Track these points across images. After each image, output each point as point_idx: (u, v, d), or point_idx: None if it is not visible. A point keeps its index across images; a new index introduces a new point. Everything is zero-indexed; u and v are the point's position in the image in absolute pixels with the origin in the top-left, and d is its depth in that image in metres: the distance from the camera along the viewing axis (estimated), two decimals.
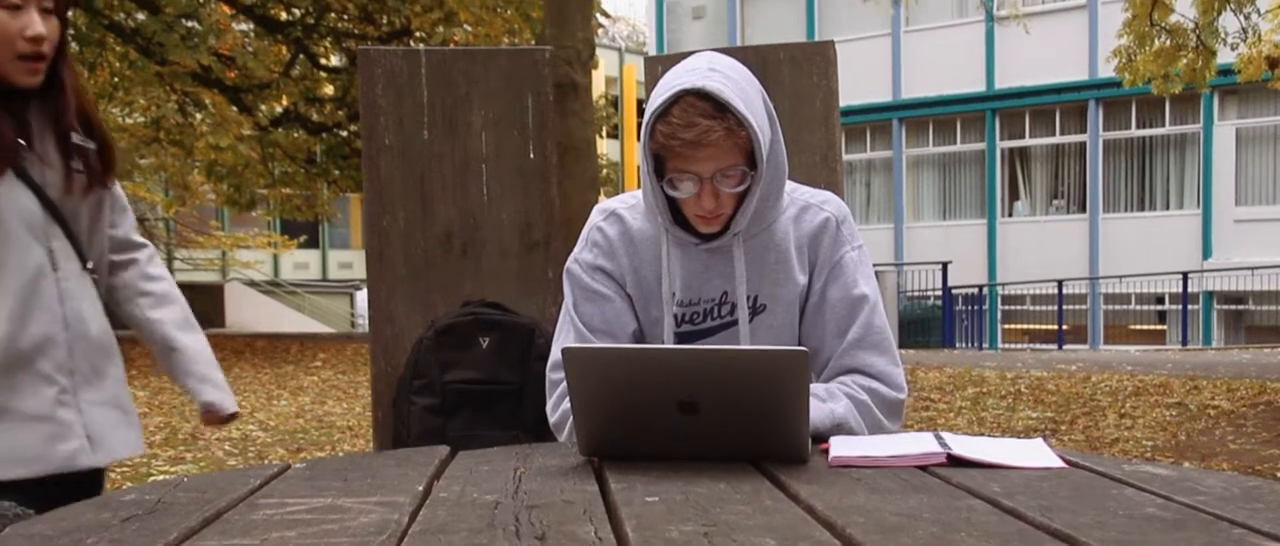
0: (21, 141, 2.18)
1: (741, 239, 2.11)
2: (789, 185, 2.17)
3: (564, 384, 2.05)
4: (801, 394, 1.71)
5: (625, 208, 2.19)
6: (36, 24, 2.13)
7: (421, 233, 2.93)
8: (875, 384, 2.08)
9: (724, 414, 1.69)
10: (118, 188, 2.41)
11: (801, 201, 2.18)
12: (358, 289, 31.60)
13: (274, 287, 31.63)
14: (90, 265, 2.30)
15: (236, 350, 16.11)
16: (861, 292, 2.13)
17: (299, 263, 34.47)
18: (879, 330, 2.13)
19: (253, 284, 30.58)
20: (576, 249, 2.22)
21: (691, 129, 1.94)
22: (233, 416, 2.41)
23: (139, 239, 2.46)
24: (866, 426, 2.02)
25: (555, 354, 2.14)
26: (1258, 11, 10.28)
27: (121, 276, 2.42)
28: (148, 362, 11.10)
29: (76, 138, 2.25)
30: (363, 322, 28.31)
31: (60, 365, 2.21)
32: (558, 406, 2.09)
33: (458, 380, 2.42)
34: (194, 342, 2.41)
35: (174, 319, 2.42)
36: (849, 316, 2.12)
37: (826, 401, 2.01)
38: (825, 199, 2.20)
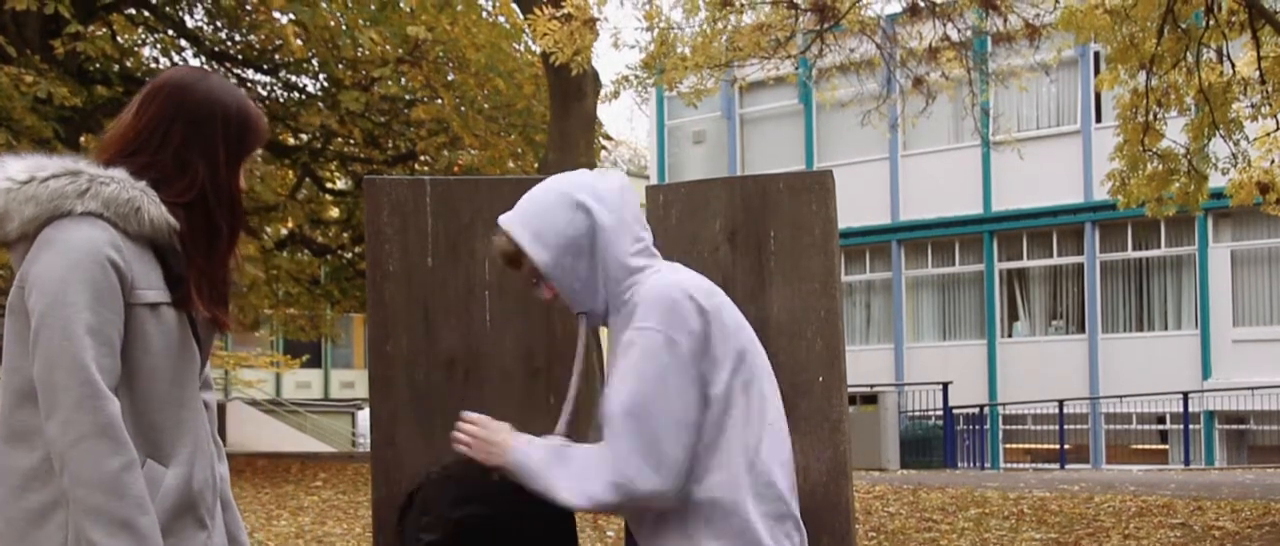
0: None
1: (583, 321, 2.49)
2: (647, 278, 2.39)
3: None
4: None
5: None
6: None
7: (424, 358, 2.96)
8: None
9: None
10: None
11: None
12: (359, 408, 31.48)
13: (275, 406, 31.52)
14: (206, 396, 2.33)
15: (237, 469, 16.01)
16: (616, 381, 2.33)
17: (301, 382, 34.39)
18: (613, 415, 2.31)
19: (254, 403, 30.49)
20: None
21: None
22: None
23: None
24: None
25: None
26: (1247, 138, 10.44)
27: None
28: None
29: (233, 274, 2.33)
30: (364, 442, 28.14)
31: (209, 507, 2.22)
32: None
33: (464, 515, 2.44)
34: None
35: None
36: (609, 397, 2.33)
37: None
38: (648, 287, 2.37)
